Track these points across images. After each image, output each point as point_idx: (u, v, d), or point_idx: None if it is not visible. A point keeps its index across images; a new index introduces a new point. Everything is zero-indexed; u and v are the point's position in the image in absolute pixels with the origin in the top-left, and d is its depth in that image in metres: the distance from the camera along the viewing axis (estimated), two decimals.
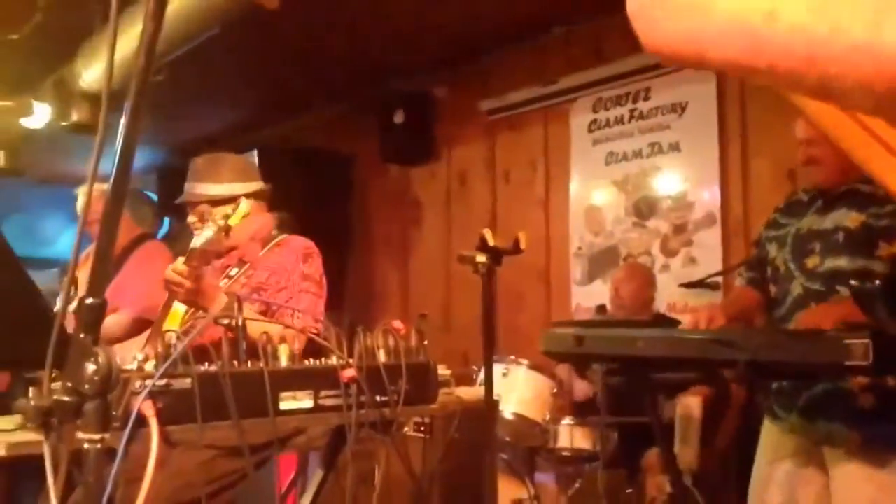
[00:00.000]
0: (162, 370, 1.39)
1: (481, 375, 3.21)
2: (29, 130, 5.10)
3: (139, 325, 3.47)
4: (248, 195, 2.52)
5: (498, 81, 4.87)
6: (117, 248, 3.73)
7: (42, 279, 8.22)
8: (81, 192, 3.72)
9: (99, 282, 0.91)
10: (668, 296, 3.98)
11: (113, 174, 1.28)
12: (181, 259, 2.25)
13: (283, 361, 1.60)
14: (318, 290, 2.47)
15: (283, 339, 1.62)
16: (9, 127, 5.27)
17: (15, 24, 4.38)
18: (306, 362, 1.65)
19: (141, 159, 7.82)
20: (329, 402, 1.61)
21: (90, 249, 3.95)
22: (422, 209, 5.35)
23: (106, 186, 3.69)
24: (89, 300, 0.91)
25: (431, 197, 5.29)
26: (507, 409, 3.20)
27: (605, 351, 2.33)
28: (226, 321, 2.25)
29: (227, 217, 2.30)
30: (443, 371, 2.85)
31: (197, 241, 2.26)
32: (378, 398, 1.66)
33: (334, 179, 5.68)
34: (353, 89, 5.46)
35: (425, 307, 5.16)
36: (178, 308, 2.44)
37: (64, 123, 4.85)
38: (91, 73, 4.53)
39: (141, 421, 1.35)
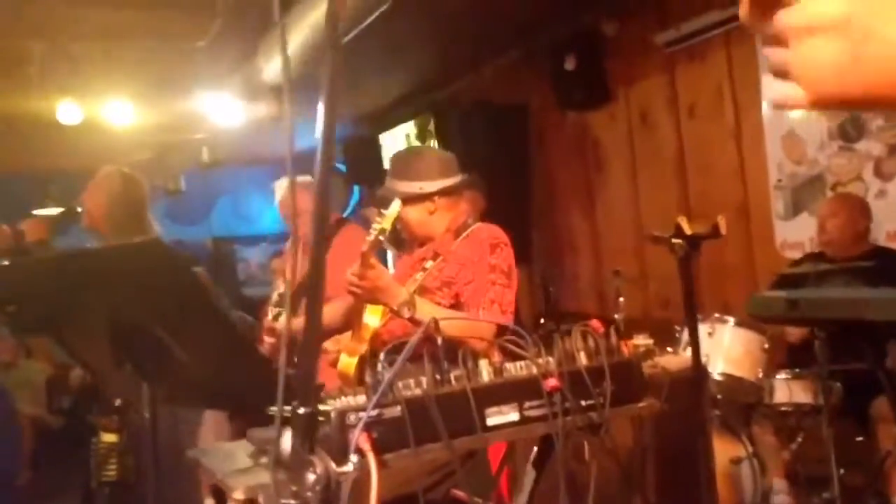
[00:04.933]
0: (373, 402, 1.45)
1: (685, 336, 3.10)
2: (225, 126, 5.45)
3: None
4: (440, 192, 2.55)
5: (672, 11, 4.57)
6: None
7: (251, 254, 8.81)
8: (279, 187, 3.92)
9: (308, 391, 0.94)
10: (888, 225, 3.62)
11: (318, 176, 1.30)
12: (356, 265, 2.35)
13: (485, 376, 1.62)
14: (507, 280, 2.47)
15: (483, 353, 1.64)
16: (209, 125, 5.67)
17: (199, 32, 4.67)
18: (506, 369, 1.65)
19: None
20: (535, 413, 1.61)
21: (291, 241, 4.19)
22: (604, 154, 5.19)
23: (303, 180, 3.83)
24: (302, 410, 0.95)
25: (613, 140, 5.11)
26: (716, 370, 3.07)
27: (824, 315, 2.15)
28: (406, 313, 2.35)
29: (382, 219, 2.36)
30: (644, 341, 2.79)
31: (363, 247, 2.37)
32: (583, 402, 1.64)
33: (511, 132, 5.63)
34: (520, 38, 5.34)
35: (617, 256, 5.05)
36: None
37: (253, 117, 5.14)
38: (272, 67, 4.74)
39: (359, 451, 1.42)
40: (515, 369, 1.66)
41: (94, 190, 3.36)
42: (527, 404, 1.61)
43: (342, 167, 8.29)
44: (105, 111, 4.87)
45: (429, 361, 1.60)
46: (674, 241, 1.87)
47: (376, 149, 7.48)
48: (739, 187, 4.34)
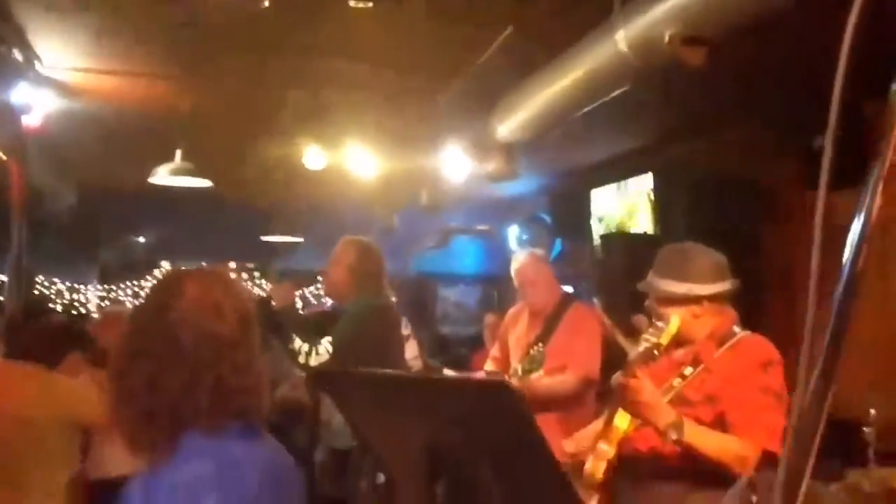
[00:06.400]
0: None
1: None
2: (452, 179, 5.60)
3: (584, 386, 3.63)
4: (710, 298, 2.43)
5: None
6: (547, 306, 3.89)
7: (450, 293, 8.96)
8: (516, 258, 3.98)
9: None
10: None
11: None
12: (620, 373, 2.28)
13: None
14: (779, 403, 2.29)
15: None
16: (433, 173, 5.85)
17: (439, 89, 4.85)
18: None
19: (533, 182, 8.21)
20: None
21: (518, 308, 4.20)
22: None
23: (541, 253, 3.85)
24: None
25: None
26: None
27: None
28: (673, 435, 2.24)
29: (658, 334, 2.28)
30: None
31: (631, 356, 2.29)
32: None
33: (743, 207, 5.34)
34: (764, 109, 5.08)
35: (854, 354, 4.64)
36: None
37: (481, 173, 5.23)
38: (506, 128, 4.80)
39: None
40: None
41: (337, 261, 3.58)
42: None
43: (546, 218, 8.28)
44: (346, 159, 5.14)
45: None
46: None
47: (586, 204, 7.39)
48: None
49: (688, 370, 2.46)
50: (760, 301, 5.26)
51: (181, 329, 1.39)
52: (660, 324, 2.24)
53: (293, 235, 7.87)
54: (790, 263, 5.27)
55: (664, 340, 2.18)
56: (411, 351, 3.64)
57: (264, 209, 7.52)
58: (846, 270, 0.65)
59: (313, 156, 4.97)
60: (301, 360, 3.42)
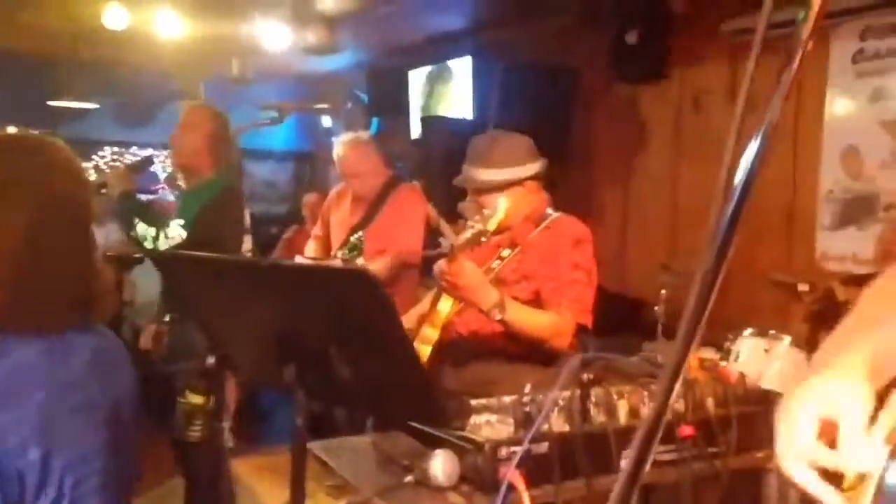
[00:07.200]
0: (528, 438, 1.45)
1: (737, 348, 3.10)
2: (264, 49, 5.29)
3: (400, 270, 3.65)
4: (523, 180, 2.50)
5: None
6: (372, 191, 3.85)
7: (257, 169, 8.63)
8: (340, 143, 3.86)
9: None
10: None
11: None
12: (444, 260, 2.31)
13: (623, 419, 1.63)
14: (588, 278, 2.45)
15: (621, 395, 1.64)
16: (246, 42, 5.49)
17: None
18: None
19: (351, 58, 7.96)
20: (665, 458, 1.63)
21: (341, 188, 4.12)
22: (649, 131, 5.14)
23: (365, 137, 3.80)
24: None
25: (660, 120, 5.05)
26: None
27: None
28: (497, 315, 2.33)
29: (486, 220, 2.31)
30: (710, 355, 2.80)
31: (458, 241, 2.31)
32: (709, 449, 1.67)
33: (556, 94, 5.51)
34: (582, 2, 5.20)
35: (645, 234, 5.07)
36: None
37: (302, 46, 4.99)
38: None
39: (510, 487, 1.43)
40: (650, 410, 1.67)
41: (190, 130, 3.29)
42: (659, 448, 1.63)
43: (364, 97, 8.11)
44: (151, 19, 4.69)
45: (574, 398, 1.60)
46: (800, 289, 1.87)
47: (404, 84, 7.30)
48: (787, 191, 4.34)
49: (505, 252, 2.54)
50: (560, 178, 5.53)
51: (58, 204, 1.23)
52: (486, 211, 2.27)
53: (86, 101, 7.18)
54: (590, 145, 5.56)
55: (491, 227, 2.22)
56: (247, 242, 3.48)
57: (53, 70, 6.77)
58: (751, 160, 0.67)
59: (114, 13, 4.49)
60: (148, 245, 3.13)
